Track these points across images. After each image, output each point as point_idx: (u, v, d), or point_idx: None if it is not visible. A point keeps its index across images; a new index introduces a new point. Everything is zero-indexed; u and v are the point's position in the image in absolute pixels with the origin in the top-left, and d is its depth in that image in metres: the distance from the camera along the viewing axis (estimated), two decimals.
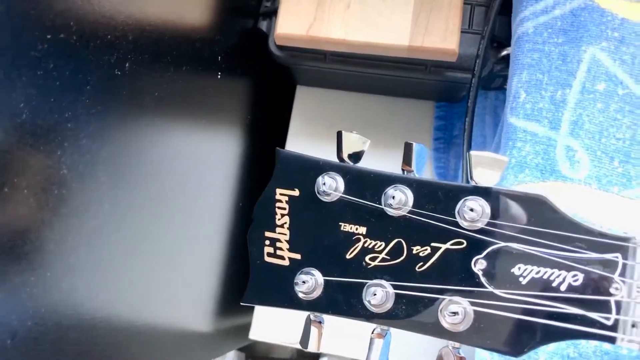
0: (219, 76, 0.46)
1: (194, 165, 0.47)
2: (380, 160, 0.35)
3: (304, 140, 0.66)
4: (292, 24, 0.50)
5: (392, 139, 0.65)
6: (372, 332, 0.33)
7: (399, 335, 0.34)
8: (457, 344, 0.32)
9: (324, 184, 0.33)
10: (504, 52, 0.52)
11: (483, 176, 0.32)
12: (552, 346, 0.40)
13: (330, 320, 0.34)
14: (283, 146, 0.66)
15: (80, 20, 0.26)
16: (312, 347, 0.35)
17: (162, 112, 0.38)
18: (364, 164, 0.34)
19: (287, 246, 0.35)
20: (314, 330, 0.35)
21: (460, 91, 0.60)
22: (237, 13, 0.52)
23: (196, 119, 0.45)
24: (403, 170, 0.34)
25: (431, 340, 0.32)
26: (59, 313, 0.28)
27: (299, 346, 0.37)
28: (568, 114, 0.42)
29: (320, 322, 0.35)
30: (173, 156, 0.43)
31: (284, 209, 0.35)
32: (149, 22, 0.34)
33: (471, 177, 0.32)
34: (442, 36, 0.49)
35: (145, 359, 0.46)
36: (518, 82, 0.44)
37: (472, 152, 0.32)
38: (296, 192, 0.35)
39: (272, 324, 0.64)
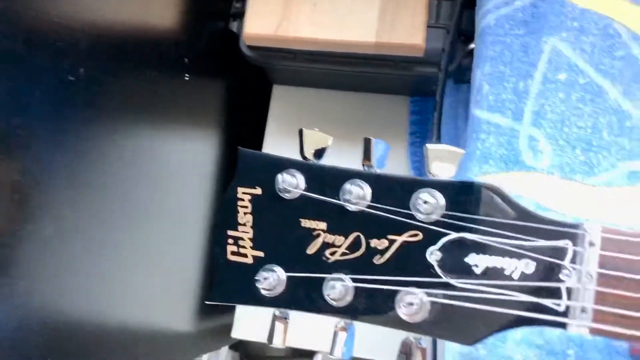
0: (186, 78, 0.47)
1: (168, 167, 0.48)
2: (358, 157, 0.35)
3: (281, 139, 0.67)
4: (260, 24, 0.51)
5: (368, 135, 0.65)
6: (336, 326, 0.34)
7: (364, 328, 0.34)
8: (419, 335, 0.32)
9: (283, 181, 0.34)
10: (472, 46, 0.52)
11: (440, 169, 0.32)
12: (519, 334, 0.40)
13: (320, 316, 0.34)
14: (260, 146, 0.67)
15: (27, 27, 0.26)
16: (277, 343, 0.35)
17: (127, 116, 0.38)
18: (342, 160, 0.34)
19: (250, 244, 0.35)
20: (279, 326, 0.35)
21: (432, 85, 0.60)
22: (206, 15, 0.53)
23: (166, 121, 0.45)
24: (363, 165, 0.34)
25: (397, 332, 0.33)
26: (18, 317, 0.28)
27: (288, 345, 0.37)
28: (530, 104, 0.42)
29: (285, 319, 0.35)
30: (143, 159, 0.43)
31: (247, 207, 0.36)
32: (107, 27, 0.34)
33: (429, 170, 0.32)
34: (409, 31, 0.49)
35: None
36: (481, 74, 0.44)
37: (428, 145, 0.32)
38: (258, 191, 0.35)
39: (254, 322, 0.65)
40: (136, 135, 0.42)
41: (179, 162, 0.50)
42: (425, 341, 0.32)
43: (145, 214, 0.45)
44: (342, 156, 0.36)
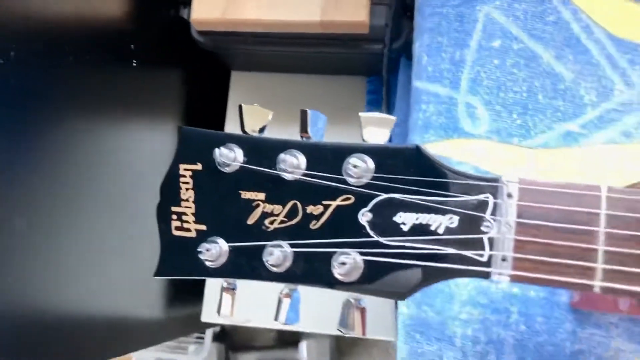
0: (134, 64, 0.47)
1: (128, 157, 0.48)
2: None
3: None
4: (207, 9, 0.52)
5: (328, 116, 0.66)
6: (280, 293, 0.35)
7: (314, 294, 0.35)
8: (359, 295, 0.33)
9: (221, 155, 0.35)
10: None
11: (373, 135, 0.34)
12: (464, 296, 0.41)
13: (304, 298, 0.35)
14: None
15: None
16: (225, 313, 0.36)
17: (79, 106, 0.39)
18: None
19: (193, 219, 0.36)
20: (226, 297, 0.36)
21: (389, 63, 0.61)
22: (154, 1, 0.53)
23: (121, 110, 0.46)
24: (302, 137, 0.35)
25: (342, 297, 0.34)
26: None
27: (252, 324, 0.38)
28: (467, 72, 0.43)
29: (233, 289, 0.36)
30: (102, 149, 0.44)
31: (188, 183, 0.36)
32: (37, 12, 0.35)
33: (362, 137, 0.34)
34: (352, 9, 0.50)
35: (91, 349, 0.47)
36: (420, 46, 0.45)
37: (361, 114, 0.33)
38: (199, 166, 0.36)
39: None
40: (91, 125, 0.42)
41: (139, 151, 0.51)
42: (365, 302, 0.33)
43: (107, 204, 0.46)
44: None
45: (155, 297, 0.59)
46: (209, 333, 1.33)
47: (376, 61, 0.62)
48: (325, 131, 0.59)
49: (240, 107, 0.37)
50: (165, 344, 1.39)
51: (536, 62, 0.43)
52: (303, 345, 1.37)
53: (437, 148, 0.43)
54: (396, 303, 0.51)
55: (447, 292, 0.41)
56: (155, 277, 0.37)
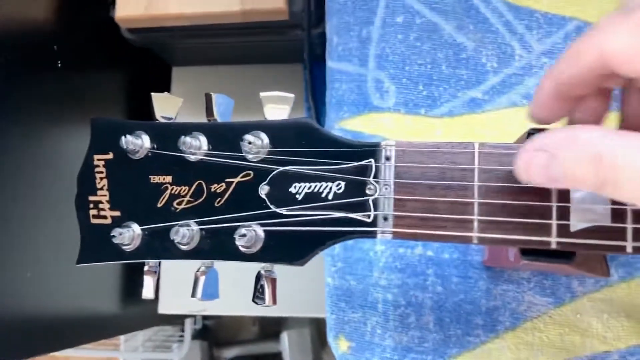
0: (59, 65, 0.48)
1: (68, 155, 0.50)
2: None
3: (186, 119, 0.69)
4: (129, 6, 0.53)
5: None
6: (197, 271, 0.36)
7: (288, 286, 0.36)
8: (268, 266, 0.35)
9: (127, 142, 0.36)
10: None
11: (274, 112, 0.35)
12: (382, 262, 0.43)
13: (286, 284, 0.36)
14: None
15: None
16: (147, 295, 0.38)
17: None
18: None
19: (108, 206, 0.38)
20: (147, 279, 0.38)
21: (317, 49, 0.63)
22: (81, 3, 0.54)
23: (44, 109, 0.47)
24: (209, 120, 0.37)
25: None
26: None
27: (207, 312, 0.39)
28: (373, 49, 0.45)
29: (155, 272, 0.38)
30: (43, 149, 0.45)
31: (102, 172, 0.38)
32: None
33: (264, 115, 0.35)
34: None
35: (47, 342, 0.49)
36: (330, 27, 0.47)
37: (262, 93, 0.35)
38: (110, 155, 0.38)
39: (177, 296, 0.67)
40: (20, 125, 0.44)
41: (75, 150, 0.52)
42: (275, 273, 0.35)
43: (44, 203, 0.47)
44: None
45: (108, 290, 0.60)
46: (188, 330, 1.34)
47: (301, 46, 0.64)
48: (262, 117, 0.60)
49: (151, 96, 0.38)
50: (150, 344, 1.40)
51: (438, 34, 0.44)
52: (284, 337, 1.39)
53: (351, 124, 0.45)
54: None
55: (367, 260, 0.43)
56: (78, 265, 0.39)
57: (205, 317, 1.41)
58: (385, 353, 0.42)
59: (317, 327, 1.42)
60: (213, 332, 1.48)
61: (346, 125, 0.45)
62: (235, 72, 0.69)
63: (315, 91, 0.54)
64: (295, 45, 0.63)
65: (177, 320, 1.09)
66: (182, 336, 1.39)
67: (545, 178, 0.25)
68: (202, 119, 0.40)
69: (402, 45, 0.44)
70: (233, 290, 0.46)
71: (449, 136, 0.43)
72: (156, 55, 0.65)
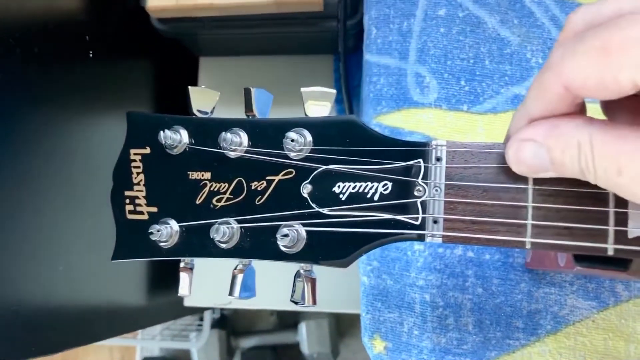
0: (90, 55, 0.48)
1: (100, 148, 0.49)
2: (288, 116, 0.36)
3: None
4: None
5: (298, 95, 0.66)
6: (235, 269, 0.36)
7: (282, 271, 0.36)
8: (307, 266, 0.34)
9: (165, 137, 0.35)
10: None
11: (314, 109, 0.34)
12: (420, 262, 0.42)
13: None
14: None
15: None
16: (183, 292, 0.37)
17: (17, 96, 0.40)
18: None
19: (145, 202, 0.37)
20: (184, 276, 0.37)
21: (349, 40, 0.61)
22: None
23: (74, 100, 0.47)
24: (247, 115, 0.36)
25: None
26: None
27: (233, 306, 0.39)
28: (414, 43, 0.44)
29: (190, 269, 0.37)
30: (72, 141, 0.45)
31: (139, 167, 0.37)
32: None
33: (304, 111, 0.34)
34: None
35: (77, 334, 0.49)
36: (369, 19, 0.46)
37: (303, 89, 0.34)
38: (147, 150, 0.37)
39: (202, 290, 0.67)
40: (52, 116, 0.43)
41: (106, 140, 0.51)
42: (315, 273, 0.34)
43: (77, 194, 0.47)
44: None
45: (136, 283, 0.60)
46: (207, 320, 1.35)
47: (334, 37, 0.62)
48: (294, 110, 0.59)
49: (187, 89, 0.38)
50: (168, 333, 1.41)
51: (482, 28, 0.43)
52: (302, 327, 1.39)
53: (389, 119, 0.44)
54: None
55: (405, 260, 0.42)
56: (122, 263, 0.39)
57: (223, 307, 1.42)
58: (422, 354, 0.41)
59: (336, 318, 1.41)
60: (231, 322, 1.49)
61: (384, 120, 0.44)
62: (263, 62, 0.68)
63: (349, 84, 0.52)
64: (326, 36, 0.62)
65: (197, 310, 1.09)
66: (200, 325, 1.39)
67: (535, 167, 0.26)
68: (230, 109, 0.39)
69: (444, 39, 0.43)
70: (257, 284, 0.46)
71: (492, 133, 0.42)
72: (184, 45, 0.64)
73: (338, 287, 0.70)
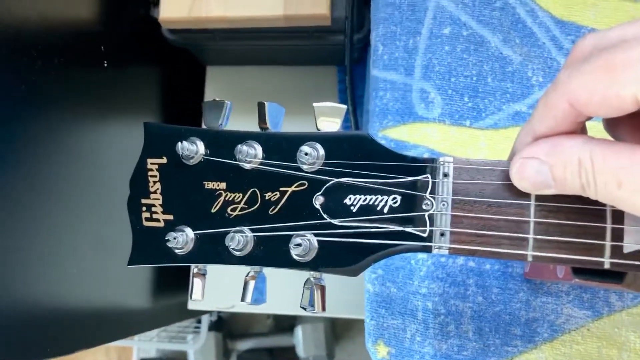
0: (105, 65, 0.49)
1: (109, 154, 0.51)
2: (293, 126, 0.38)
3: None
4: (174, 8, 0.54)
5: (302, 105, 0.68)
6: (247, 275, 0.37)
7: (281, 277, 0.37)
8: (317, 274, 0.35)
9: (183, 148, 0.37)
10: None
11: (326, 124, 0.36)
12: (423, 271, 0.44)
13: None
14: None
15: None
16: (196, 297, 0.39)
17: (38, 105, 0.41)
18: None
19: (161, 209, 0.38)
20: (197, 281, 0.38)
21: (354, 52, 0.63)
22: (124, 3, 0.55)
23: (88, 109, 0.48)
24: (261, 128, 0.38)
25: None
26: None
27: (235, 310, 0.40)
28: (420, 59, 0.45)
29: (203, 275, 0.39)
30: (82, 148, 0.46)
31: (155, 176, 0.39)
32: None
33: (316, 126, 0.36)
34: (314, 2, 0.52)
35: (87, 336, 0.50)
36: (376, 36, 0.47)
37: (315, 104, 0.36)
38: (164, 160, 0.39)
39: (206, 294, 0.68)
40: (67, 124, 0.44)
41: (118, 148, 0.53)
42: (324, 280, 0.36)
43: (88, 200, 0.48)
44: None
45: (141, 287, 0.61)
46: (204, 322, 1.36)
47: (340, 50, 0.64)
48: (299, 119, 0.61)
49: (202, 103, 0.39)
50: (165, 334, 1.42)
51: (485, 46, 0.45)
52: (298, 330, 1.40)
53: (395, 133, 0.45)
54: None
55: (408, 269, 0.44)
56: (129, 267, 0.40)
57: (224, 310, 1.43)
58: None
59: (331, 322, 1.43)
60: (228, 325, 1.50)
61: (389, 133, 0.46)
62: (269, 72, 0.70)
63: (354, 95, 0.54)
64: (331, 49, 0.64)
65: (200, 313, 1.10)
66: (197, 327, 1.40)
67: (538, 183, 0.28)
68: (236, 117, 0.40)
69: (449, 57, 0.45)
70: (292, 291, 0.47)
71: (494, 148, 0.44)
72: (192, 54, 0.65)
73: (336, 293, 0.72)
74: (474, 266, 0.43)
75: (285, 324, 1.49)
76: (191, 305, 0.68)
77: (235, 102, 0.72)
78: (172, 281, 0.67)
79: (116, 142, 0.53)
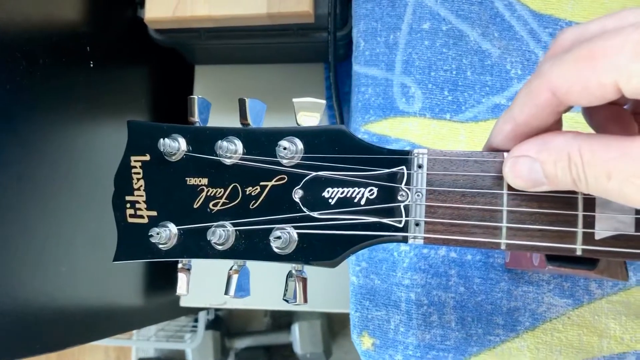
0: (91, 65, 0.50)
1: (101, 154, 0.51)
2: (281, 123, 0.38)
3: (210, 116, 0.70)
4: (158, 8, 0.54)
5: (291, 102, 0.68)
6: (230, 269, 0.38)
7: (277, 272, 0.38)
8: (298, 267, 0.36)
9: (164, 145, 0.37)
10: None
11: (305, 118, 0.36)
12: (406, 262, 0.44)
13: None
14: None
15: None
16: (181, 291, 0.39)
17: (23, 105, 0.42)
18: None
19: (145, 206, 0.39)
20: (181, 276, 0.39)
21: (340, 49, 0.64)
22: (111, 4, 0.56)
23: (76, 109, 0.49)
24: (242, 124, 0.38)
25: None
26: None
27: (227, 306, 0.41)
28: (400, 54, 0.46)
29: (188, 269, 0.39)
30: (72, 148, 0.47)
31: (139, 173, 0.39)
32: None
33: (296, 121, 0.37)
34: (297, 0, 0.53)
35: (78, 333, 0.51)
36: (357, 32, 0.48)
37: (294, 99, 0.36)
38: (147, 157, 0.39)
39: (198, 291, 0.69)
40: (55, 124, 0.45)
41: (107, 147, 0.53)
42: (305, 272, 0.37)
43: (78, 198, 0.49)
44: (266, 125, 0.39)
45: (134, 284, 0.62)
46: (202, 321, 1.36)
47: (325, 47, 0.65)
48: (288, 116, 0.62)
49: (175, 93, 0.40)
50: (163, 334, 1.43)
51: (464, 41, 0.45)
52: (295, 328, 1.41)
53: (377, 127, 0.46)
54: None
55: (391, 261, 0.44)
56: (120, 263, 0.41)
57: (217, 308, 1.44)
58: (408, 350, 0.43)
59: (328, 319, 1.44)
60: (225, 323, 1.51)
61: (371, 128, 0.46)
62: (257, 70, 0.71)
63: (339, 92, 0.55)
64: (317, 46, 0.64)
65: (193, 310, 1.11)
66: (194, 326, 1.41)
67: (531, 181, 0.28)
68: (225, 115, 0.41)
69: (429, 51, 0.45)
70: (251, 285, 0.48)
71: (473, 141, 0.44)
72: (180, 54, 0.66)
73: (330, 287, 0.72)
74: (455, 257, 0.44)
75: (282, 321, 1.50)
76: (184, 302, 0.68)
77: (224, 100, 0.73)
78: (165, 278, 0.68)
79: (106, 141, 0.54)
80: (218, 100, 0.74)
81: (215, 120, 0.69)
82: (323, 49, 0.66)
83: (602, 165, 0.25)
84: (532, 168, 0.28)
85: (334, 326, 1.48)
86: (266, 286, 0.47)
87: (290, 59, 0.69)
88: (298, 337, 1.40)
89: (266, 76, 0.71)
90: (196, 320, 1.39)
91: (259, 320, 1.54)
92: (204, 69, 0.71)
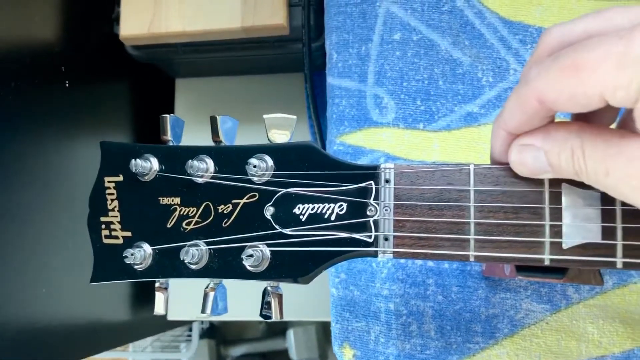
0: (66, 85, 0.50)
1: (71, 170, 0.51)
2: (263, 135, 0.38)
3: (189, 129, 0.70)
4: (133, 25, 0.54)
5: (270, 112, 0.69)
6: (206, 287, 0.38)
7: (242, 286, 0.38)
8: (274, 283, 0.36)
9: (136, 166, 0.37)
10: None
11: (277, 135, 0.37)
12: (384, 273, 0.45)
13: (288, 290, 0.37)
14: None
15: None
16: (159, 311, 0.39)
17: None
18: (249, 140, 0.37)
19: (120, 226, 0.39)
20: (159, 295, 0.39)
21: (318, 59, 0.64)
22: (86, 21, 0.56)
23: (53, 129, 0.49)
24: (215, 141, 0.38)
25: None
26: None
27: (221, 318, 0.41)
28: (372, 65, 0.46)
29: (165, 288, 0.39)
30: (54, 166, 0.47)
31: (113, 194, 0.39)
32: None
33: (267, 137, 0.37)
34: (270, 13, 0.53)
35: (68, 352, 0.51)
36: (330, 44, 0.48)
37: (265, 116, 0.37)
38: (120, 177, 0.39)
39: (185, 303, 0.69)
40: (32, 144, 0.45)
41: (88, 164, 0.53)
42: (281, 289, 0.37)
43: (65, 219, 0.49)
44: (249, 137, 0.39)
45: (120, 300, 0.62)
46: (195, 330, 1.36)
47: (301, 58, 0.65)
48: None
49: (155, 109, 0.40)
50: (158, 344, 1.42)
51: (435, 50, 0.45)
52: (290, 334, 1.41)
53: (352, 139, 0.46)
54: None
55: (370, 272, 0.45)
56: (91, 284, 0.41)
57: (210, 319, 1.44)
58: None
59: (323, 324, 1.44)
60: (220, 331, 1.51)
61: (347, 139, 0.47)
62: (238, 82, 0.71)
63: (317, 103, 0.55)
64: (295, 57, 0.64)
65: (182, 323, 1.11)
66: (189, 336, 1.41)
67: (535, 169, 0.29)
68: (206, 130, 0.41)
69: (400, 62, 0.46)
70: (240, 295, 0.48)
71: (446, 150, 0.45)
72: (159, 68, 0.66)
73: (322, 297, 0.73)
74: (432, 266, 0.44)
75: (277, 328, 1.50)
76: (171, 316, 0.68)
77: (206, 112, 0.73)
78: (152, 292, 0.67)
79: (84, 161, 0.54)
80: (200, 112, 0.75)
81: (198, 133, 0.69)
82: (301, 59, 0.66)
83: (600, 161, 0.25)
84: (537, 157, 0.28)
85: (329, 332, 1.48)
86: (257, 298, 0.46)
87: (271, 69, 0.69)
88: (293, 343, 1.40)
89: (248, 87, 0.71)
90: (191, 330, 1.39)
91: (254, 328, 1.54)
92: (185, 82, 0.71)
